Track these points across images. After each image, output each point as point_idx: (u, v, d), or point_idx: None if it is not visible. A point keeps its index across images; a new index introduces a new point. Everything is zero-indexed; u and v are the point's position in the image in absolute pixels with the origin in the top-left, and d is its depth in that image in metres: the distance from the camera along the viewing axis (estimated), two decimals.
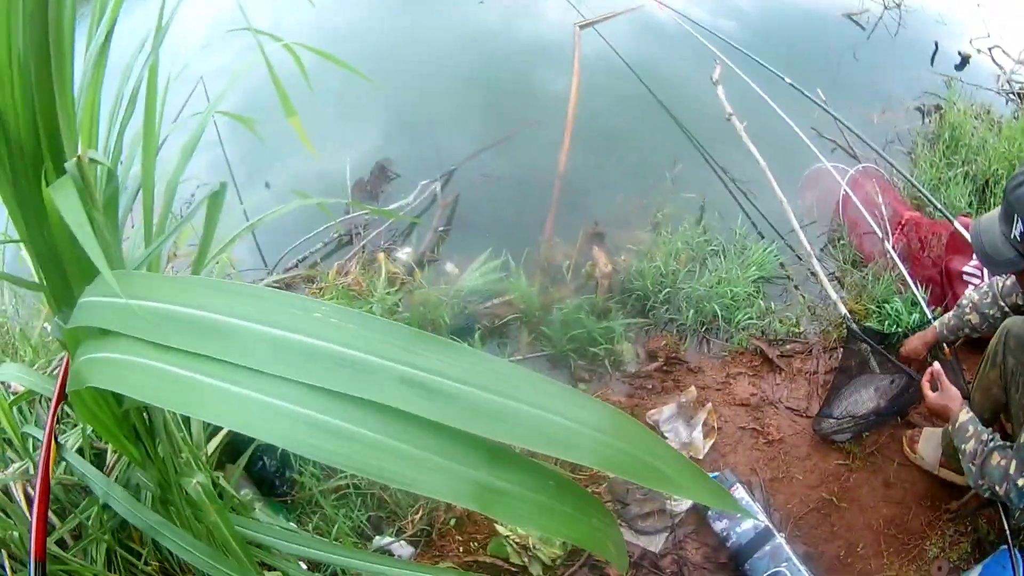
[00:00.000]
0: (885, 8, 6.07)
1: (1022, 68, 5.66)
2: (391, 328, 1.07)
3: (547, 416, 1.02)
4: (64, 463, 2.07)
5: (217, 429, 2.61)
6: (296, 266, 3.95)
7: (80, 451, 2.16)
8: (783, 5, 6.13)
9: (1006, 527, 2.87)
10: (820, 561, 3.15)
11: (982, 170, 4.41)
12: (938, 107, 5.07)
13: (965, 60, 5.71)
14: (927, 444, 3.30)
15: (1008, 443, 2.55)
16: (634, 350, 3.65)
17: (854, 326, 3.51)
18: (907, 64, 5.55)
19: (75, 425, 2.33)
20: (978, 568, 2.88)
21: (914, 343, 3.32)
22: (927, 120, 5.04)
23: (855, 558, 3.18)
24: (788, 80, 4.26)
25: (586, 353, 3.59)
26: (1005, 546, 2.86)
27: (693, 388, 3.47)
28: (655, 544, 3.07)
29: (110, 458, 2.19)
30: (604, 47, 5.01)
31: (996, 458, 2.53)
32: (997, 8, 6.09)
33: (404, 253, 3.98)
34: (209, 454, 2.52)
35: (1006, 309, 3.01)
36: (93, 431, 2.15)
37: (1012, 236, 2.27)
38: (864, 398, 3.44)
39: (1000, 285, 3.03)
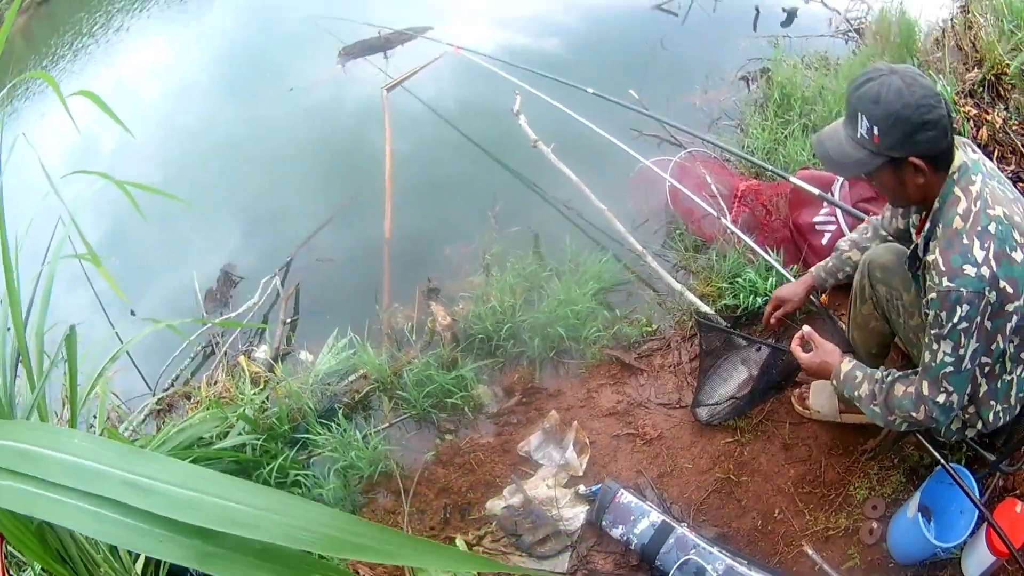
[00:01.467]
0: None
1: (858, 3, 5.79)
2: (114, 446, 1.48)
3: (231, 505, 1.32)
4: None
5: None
6: (172, 385, 4.09)
7: None
8: (590, 16, 6.25)
9: (931, 448, 2.91)
10: (738, 537, 3.23)
11: (822, 117, 4.53)
12: (765, 70, 5.20)
13: (791, 14, 5.85)
14: (819, 396, 3.38)
15: (909, 371, 2.61)
16: (491, 391, 3.74)
17: (709, 317, 3.65)
18: (727, 38, 5.68)
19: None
20: (917, 493, 2.96)
21: (789, 289, 3.33)
22: (754, 87, 5.19)
23: (775, 524, 3.26)
24: (591, 91, 4.37)
25: (445, 406, 3.68)
26: (940, 466, 2.92)
27: (554, 412, 3.55)
28: (561, 565, 3.16)
29: None
30: (416, 103, 5.15)
31: (900, 388, 2.58)
32: None
33: (262, 351, 4.10)
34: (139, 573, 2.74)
35: (888, 239, 3.04)
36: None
37: (859, 135, 2.31)
38: (737, 376, 3.55)
39: (880, 218, 3.08)
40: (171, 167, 5.42)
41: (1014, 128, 4.40)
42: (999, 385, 2.61)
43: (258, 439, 3.46)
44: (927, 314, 2.39)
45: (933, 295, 2.32)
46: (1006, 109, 4.52)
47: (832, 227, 3.86)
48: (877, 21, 5.20)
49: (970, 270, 2.24)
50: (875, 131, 2.26)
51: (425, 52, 5.27)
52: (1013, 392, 2.64)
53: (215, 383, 3.87)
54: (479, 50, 5.02)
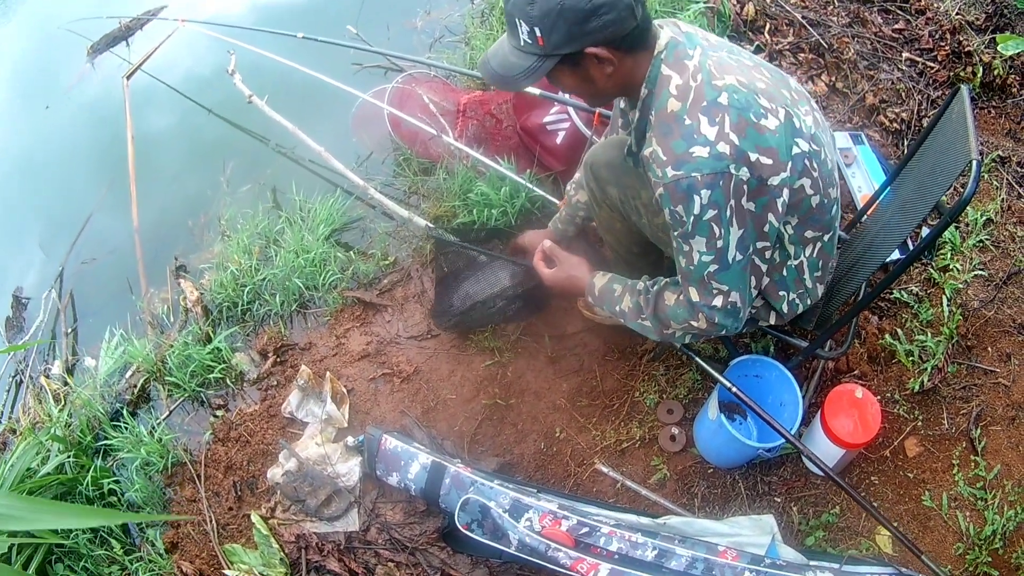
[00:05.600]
0: None
1: None
2: None
3: None
4: None
5: None
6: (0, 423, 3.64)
7: None
8: None
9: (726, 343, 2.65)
10: (523, 463, 2.89)
11: None
12: None
13: None
14: None
15: (675, 277, 2.15)
16: (247, 357, 3.32)
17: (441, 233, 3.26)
18: None
19: None
20: (715, 391, 2.57)
21: (530, 237, 2.97)
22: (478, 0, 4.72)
23: (559, 444, 2.92)
24: (301, 35, 3.91)
25: (210, 382, 3.27)
26: (740, 357, 2.58)
27: (304, 367, 3.14)
28: (352, 523, 2.81)
29: None
30: (157, 84, 4.62)
31: (671, 296, 2.13)
32: None
33: (57, 367, 3.65)
34: None
35: None
36: None
37: (522, 43, 1.86)
38: (487, 284, 3.09)
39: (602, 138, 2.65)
40: None
41: (792, 1, 4.07)
42: (785, 273, 2.19)
43: (69, 456, 3.07)
44: (664, 213, 1.93)
45: (660, 191, 1.89)
46: None
47: (566, 124, 3.41)
48: None
49: (700, 151, 1.81)
50: (537, 33, 1.81)
51: (161, 32, 4.73)
52: (807, 275, 2.21)
53: (29, 411, 3.46)
54: (202, 19, 4.54)
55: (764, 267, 2.12)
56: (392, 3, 4.81)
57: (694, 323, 2.08)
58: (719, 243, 1.90)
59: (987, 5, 4.11)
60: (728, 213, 1.86)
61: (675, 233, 1.95)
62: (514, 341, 3.14)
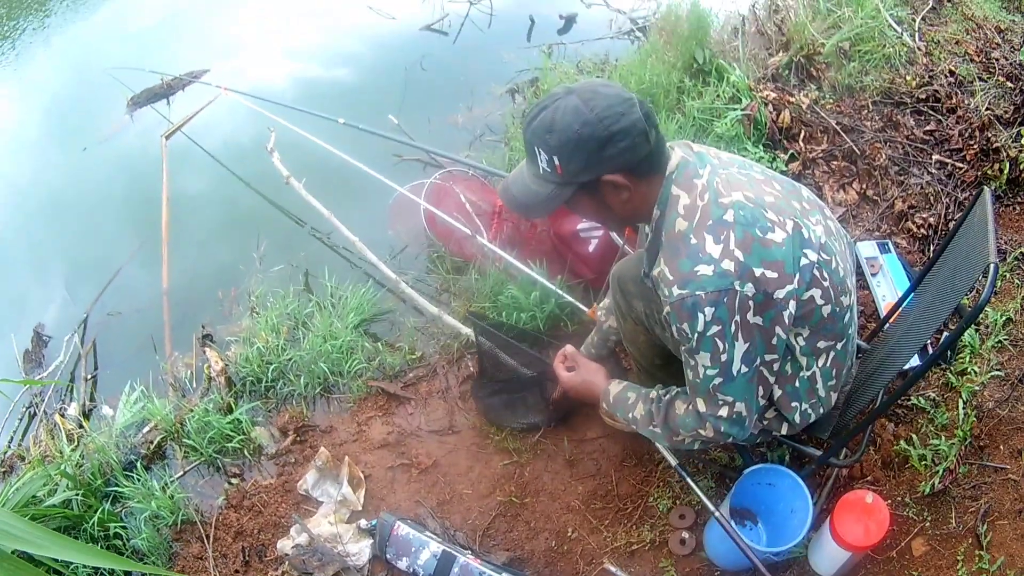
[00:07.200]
0: (471, 4, 5.74)
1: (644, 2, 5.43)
2: None
3: None
4: None
5: None
6: (9, 447, 3.72)
7: None
8: (356, 43, 5.68)
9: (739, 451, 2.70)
10: (533, 559, 2.93)
11: None
12: (534, 80, 4.83)
13: (569, 21, 5.43)
14: None
15: (685, 388, 2.21)
16: (267, 432, 3.40)
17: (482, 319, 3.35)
18: (498, 52, 5.25)
19: None
20: (727, 498, 2.64)
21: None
22: (521, 98, 4.83)
23: (570, 543, 2.96)
24: (342, 121, 4.05)
25: (228, 450, 3.35)
26: (755, 466, 2.60)
27: (323, 449, 3.23)
28: None
29: None
30: (195, 148, 4.76)
31: (681, 406, 2.20)
32: None
33: (73, 408, 3.77)
34: None
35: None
36: None
37: (541, 170, 1.94)
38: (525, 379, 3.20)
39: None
40: None
41: (828, 107, 4.15)
42: (798, 385, 2.22)
43: (77, 494, 3.13)
44: (672, 330, 1.99)
45: (667, 309, 1.93)
46: (818, 89, 4.27)
47: (599, 232, 3.49)
48: (663, 16, 4.76)
49: (705, 270, 1.85)
50: (556, 161, 1.88)
51: (203, 95, 4.89)
52: (819, 385, 2.24)
53: (39, 443, 3.55)
54: (245, 89, 4.68)
55: (772, 379, 2.16)
56: (435, 96, 4.95)
57: (702, 432, 2.14)
58: (723, 357, 1.94)
59: (1015, 95, 4.19)
60: (733, 328, 1.89)
61: (682, 348, 2.02)
62: (533, 443, 3.21)
